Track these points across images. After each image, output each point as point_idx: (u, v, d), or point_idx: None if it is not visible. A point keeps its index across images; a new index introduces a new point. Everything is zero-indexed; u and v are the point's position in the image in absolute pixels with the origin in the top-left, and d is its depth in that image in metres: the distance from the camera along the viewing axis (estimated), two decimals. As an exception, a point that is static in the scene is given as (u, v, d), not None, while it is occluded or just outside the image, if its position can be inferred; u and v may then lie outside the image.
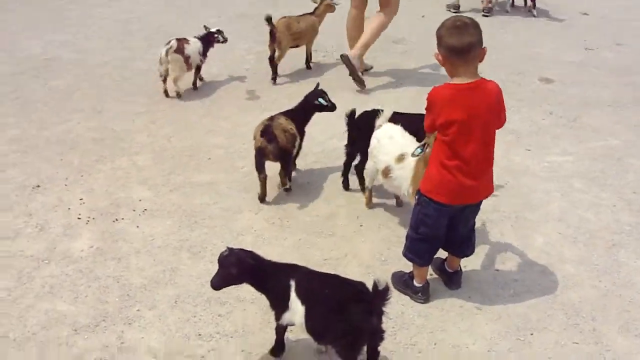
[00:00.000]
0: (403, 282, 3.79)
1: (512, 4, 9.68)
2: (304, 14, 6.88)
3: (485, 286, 3.84)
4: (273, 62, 6.66)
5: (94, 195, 4.62)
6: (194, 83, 6.50)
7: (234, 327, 3.46)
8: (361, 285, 2.98)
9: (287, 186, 4.72)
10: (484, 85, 3.26)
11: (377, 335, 2.98)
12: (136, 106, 6.05)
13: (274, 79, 6.70)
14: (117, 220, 4.34)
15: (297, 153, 4.84)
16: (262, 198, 4.59)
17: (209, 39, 6.42)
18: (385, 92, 6.51)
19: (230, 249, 3.11)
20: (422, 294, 3.71)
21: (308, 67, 7.13)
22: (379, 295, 2.85)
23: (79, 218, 4.36)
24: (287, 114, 4.72)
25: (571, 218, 4.51)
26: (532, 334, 3.47)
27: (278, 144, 4.42)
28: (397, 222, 4.42)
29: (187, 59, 6.11)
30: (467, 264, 3.94)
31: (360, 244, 4.17)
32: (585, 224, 4.45)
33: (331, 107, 4.83)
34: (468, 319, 3.58)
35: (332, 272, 3.31)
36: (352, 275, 3.59)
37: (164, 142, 5.36)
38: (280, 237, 4.20)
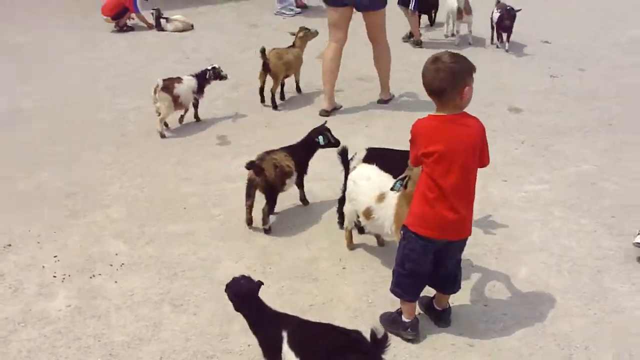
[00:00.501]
0: (391, 320, 3.73)
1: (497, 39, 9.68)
2: (289, 47, 7.25)
3: (475, 322, 3.78)
4: (262, 92, 7.10)
5: (68, 251, 4.49)
6: (195, 116, 6.75)
7: (223, 382, 3.36)
8: (357, 333, 2.91)
9: (267, 226, 4.69)
10: (466, 120, 3.31)
11: None
12: (105, 157, 5.95)
13: (274, 107, 7.08)
14: (93, 276, 4.22)
15: (302, 188, 5.03)
16: (249, 222, 4.72)
17: (204, 77, 6.57)
18: (356, 130, 6.48)
19: (238, 278, 3.23)
20: (412, 329, 3.65)
21: (299, 91, 7.57)
22: (378, 344, 2.77)
23: (54, 276, 4.22)
24: (288, 149, 4.84)
25: (553, 247, 4.49)
26: (526, 369, 3.42)
27: (265, 178, 4.52)
28: (380, 262, 4.35)
29: (176, 98, 6.26)
30: (455, 300, 3.88)
31: (344, 287, 4.09)
32: (568, 252, 4.44)
33: (335, 144, 4.89)
34: (461, 356, 3.51)
35: (320, 319, 3.24)
36: (339, 320, 3.55)
37: (136, 193, 5.26)
38: (264, 286, 4.09)
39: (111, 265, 4.32)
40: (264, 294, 3.94)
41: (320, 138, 4.88)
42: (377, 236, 4.52)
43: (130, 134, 6.34)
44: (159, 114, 6.33)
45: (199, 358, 3.48)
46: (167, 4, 11.55)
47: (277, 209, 4.90)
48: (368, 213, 4.07)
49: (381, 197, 3.97)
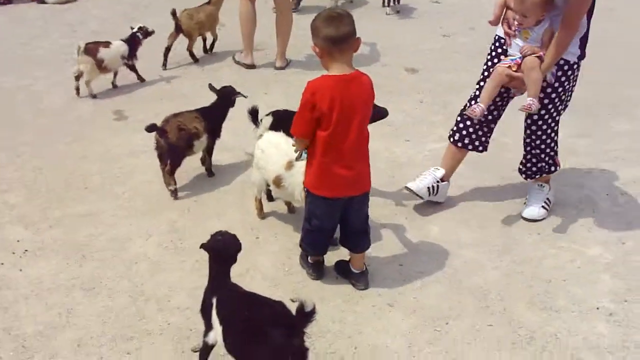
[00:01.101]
0: (304, 256, 3.93)
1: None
2: (202, 5, 7.30)
3: (393, 282, 3.83)
4: (167, 54, 7.16)
5: (-35, 242, 4.24)
6: (138, 77, 6.76)
7: (146, 364, 3.27)
8: (280, 306, 2.89)
9: (172, 187, 4.65)
10: (360, 77, 3.38)
11: (300, 354, 2.86)
12: (-6, 139, 5.61)
13: (195, 60, 7.33)
14: (-5, 265, 4.01)
15: (210, 153, 4.93)
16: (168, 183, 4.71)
17: (134, 40, 6.53)
18: (255, 98, 6.32)
19: (223, 233, 3.16)
20: (313, 271, 3.86)
21: (211, 51, 7.68)
22: (304, 317, 2.74)
23: (-49, 269, 3.98)
24: (201, 110, 4.79)
25: (461, 203, 4.61)
26: (447, 323, 3.50)
27: (168, 140, 4.50)
28: (292, 229, 4.33)
29: (100, 62, 6.22)
30: (370, 261, 3.93)
31: (260, 257, 4.05)
32: (475, 207, 4.56)
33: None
34: (383, 317, 3.55)
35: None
36: (258, 291, 3.49)
37: (34, 175, 4.99)
38: (177, 261, 4.01)
39: (14, 253, 4.10)
40: (178, 270, 3.91)
41: (241, 93, 4.94)
42: (288, 203, 4.50)
43: (20, 114, 6.02)
44: (77, 78, 6.30)
45: (118, 341, 3.37)
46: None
47: (181, 182, 4.81)
48: (278, 181, 4.05)
49: (290, 165, 3.95)
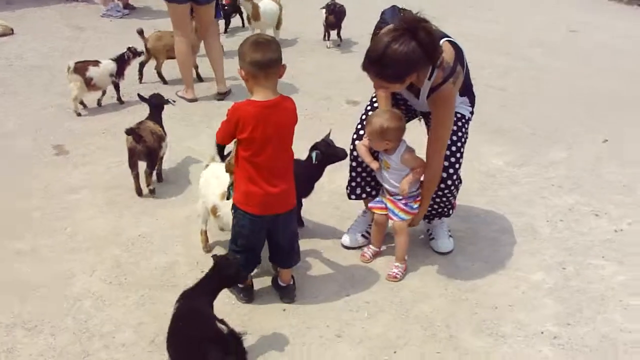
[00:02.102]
0: None
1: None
2: None
3: (340, 312, 3.84)
4: (141, 69, 7.54)
5: None
6: (118, 98, 6.99)
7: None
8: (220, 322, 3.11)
9: (152, 187, 5.07)
10: (284, 102, 3.49)
11: None
12: None
13: (164, 82, 7.62)
14: None
15: (161, 161, 5.30)
16: (138, 192, 5.07)
17: (123, 59, 6.88)
18: (198, 131, 6.36)
19: (235, 259, 3.47)
20: (244, 295, 3.91)
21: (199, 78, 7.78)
22: (234, 335, 3.01)
23: None
24: (150, 118, 5.23)
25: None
26: (395, 352, 3.52)
27: (145, 144, 4.91)
28: (237, 261, 4.31)
29: (88, 80, 6.49)
30: (318, 292, 3.97)
31: (207, 291, 4.01)
32: (419, 237, 4.60)
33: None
34: (330, 348, 3.56)
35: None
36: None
37: (-30, 212, 4.87)
38: (121, 297, 3.94)
39: (-49, 292, 3.98)
40: (123, 306, 3.85)
41: (169, 100, 5.50)
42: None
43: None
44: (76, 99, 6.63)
45: (62, 381, 3.30)
46: (-19, 8, 10.84)
47: (124, 216, 4.79)
48: (214, 211, 4.14)
49: (224, 195, 4.01)
